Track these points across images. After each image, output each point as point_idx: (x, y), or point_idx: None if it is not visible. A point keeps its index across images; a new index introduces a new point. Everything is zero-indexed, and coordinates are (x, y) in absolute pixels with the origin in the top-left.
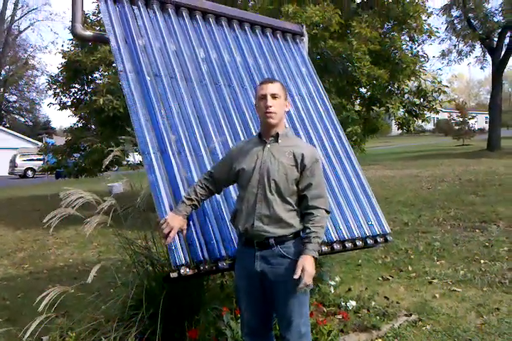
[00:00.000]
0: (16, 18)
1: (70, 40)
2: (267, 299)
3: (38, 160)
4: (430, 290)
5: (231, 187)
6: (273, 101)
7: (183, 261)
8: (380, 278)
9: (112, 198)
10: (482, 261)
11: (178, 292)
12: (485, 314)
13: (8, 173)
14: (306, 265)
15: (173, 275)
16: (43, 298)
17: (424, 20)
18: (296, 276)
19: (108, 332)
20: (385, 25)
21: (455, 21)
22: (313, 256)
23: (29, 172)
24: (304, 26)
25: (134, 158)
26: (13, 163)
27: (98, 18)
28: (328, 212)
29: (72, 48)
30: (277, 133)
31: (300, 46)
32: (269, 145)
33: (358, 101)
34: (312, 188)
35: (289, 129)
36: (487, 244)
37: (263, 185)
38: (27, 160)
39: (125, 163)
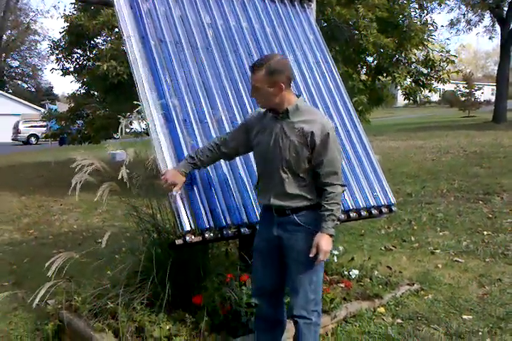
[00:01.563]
0: None
1: (72, 3)
2: (282, 263)
3: (41, 126)
4: (433, 261)
5: (237, 158)
6: (255, 94)
7: (189, 229)
8: (382, 248)
9: (124, 166)
10: (485, 233)
11: (184, 259)
12: (487, 284)
13: (12, 139)
14: (322, 243)
15: (179, 242)
16: (50, 265)
17: None
18: (311, 255)
19: (114, 297)
20: None
21: None
22: (330, 234)
23: (32, 139)
24: None
25: (140, 125)
26: (16, 130)
27: None
28: (344, 185)
29: (75, 12)
30: (287, 109)
31: (308, 12)
32: (281, 122)
33: (364, 70)
34: (324, 165)
35: (299, 99)
36: (490, 215)
37: (276, 163)
38: (30, 126)
39: (128, 130)
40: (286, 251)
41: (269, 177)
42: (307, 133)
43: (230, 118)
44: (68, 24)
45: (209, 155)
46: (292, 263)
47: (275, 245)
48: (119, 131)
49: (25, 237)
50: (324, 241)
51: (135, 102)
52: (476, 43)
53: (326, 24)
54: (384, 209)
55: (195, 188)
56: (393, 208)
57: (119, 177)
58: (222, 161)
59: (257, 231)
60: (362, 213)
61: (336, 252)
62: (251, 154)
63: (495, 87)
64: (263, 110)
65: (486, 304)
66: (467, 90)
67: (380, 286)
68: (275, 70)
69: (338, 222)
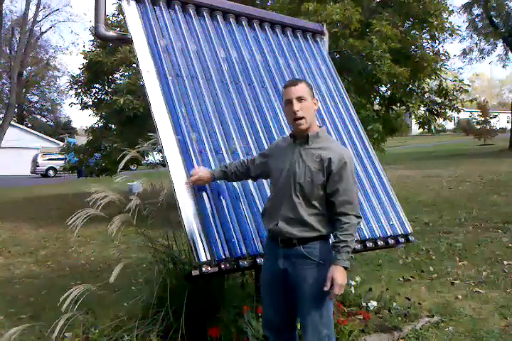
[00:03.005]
0: (37, 19)
1: (91, 41)
2: (290, 296)
3: (59, 159)
4: (452, 292)
5: (251, 185)
6: (299, 105)
7: (205, 259)
8: (401, 279)
9: (136, 197)
10: (505, 262)
11: (200, 290)
12: (509, 316)
13: (30, 172)
14: (337, 276)
15: (195, 273)
16: (67, 297)
17: (446, 19)
18: (326, 288)
19: (130, 329)
20: (406, 24)
21: (476, 19)
22: (344, 266)
23: (50, 172)
24: (325, 25)
25: (154, 157)
26: (35, 163)
27: (118, 19)
28: (359, 217)
29: (93, 49)
30: (307, 135)
31: (320, 45)
32: (299, 147)
33: (377, 100)
34: (340, 194)
35: (321, 129)
36: (510, 244)
37: (289, 188)
38: (48, 159)
39: (144, 162)
40: (293, 286)
41: (281, 201)
42: (324, 160)
43: (245, 150)
44: (87, 61)
45: (239, 169)
46: (301, 298)
47: (281, 278)
48: (120, 164)
49: (43, 269)
50: (339, 274)
51: (149, 134)
52: (489, 71)
53: (338, 56)
54: (401, 239)
55: (210, 218)
56: (410, 238)
57: (128, 207)
58: (237, 190)
59: (263, 262)
60: (378, 243)
61: (353, 283)
62: (264, 183)
63: (510, 115)
64: (285, 136)
65: (508, 336)
66: (482, 118)
67: (399, 318)
68: (311, 87)
69: (353, 255)
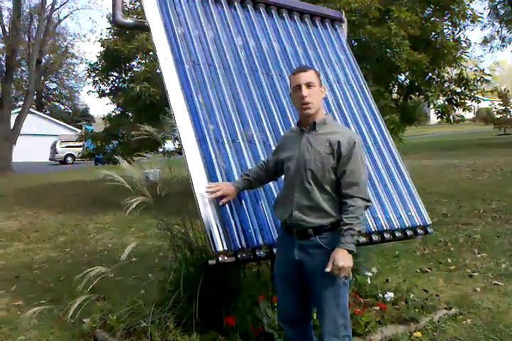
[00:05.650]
0: (55, 6)
1: (108, 28)
2: (305, 287)
3: (77, 146)
4: (471, 284)
5: None
6: (308, 91)
7: (222, 249)
8: (418, 270)
9: (153, 181)
10: None
11: (216, 278)
12: None
13: (49, 159)
14: (337, 257)
15: (212, 262)
16: (83, 276)
17: (467, 5)
18: (327, 269)
19: (147, 315)
20: (426, 11)
21: (498, 6)
22: (348, 249)
23: (69, 159)
24: (343, 12)
25: (172, 144)
26: (53, 150)
27: (135, 7)
28: (365, 200)
29: (111, 37)
30: (314, 122)
31: (339, 32)
32: (307, 135)
33: (395, 89)
34: (347, 175)
35: (327, 115)
36: None
37: (301, 174)
38: (67, 146)
39: (161, 150)
40: (309, 276)
41: (293, 189)
42: (334, 143)
43: (262, 139)
44: (104, 49)
45: (260, 173)
46: (317, 288)
47: (296, 269)
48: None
49: (62, 255)
50: (340, 256)
51: (166, 117)
52: (510, 59)
53: (356, 43)
54: (419, 230)
55: (227, 208)
56: (429, 229)
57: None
58: None
59: (276, 255)
60: (396, 234)
61: (369, 274)
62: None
63: None
64: (293, 127)
65: None
66: (502, 107)
67: (416, 310)
68: (319, 75)
69: (359, 238)
